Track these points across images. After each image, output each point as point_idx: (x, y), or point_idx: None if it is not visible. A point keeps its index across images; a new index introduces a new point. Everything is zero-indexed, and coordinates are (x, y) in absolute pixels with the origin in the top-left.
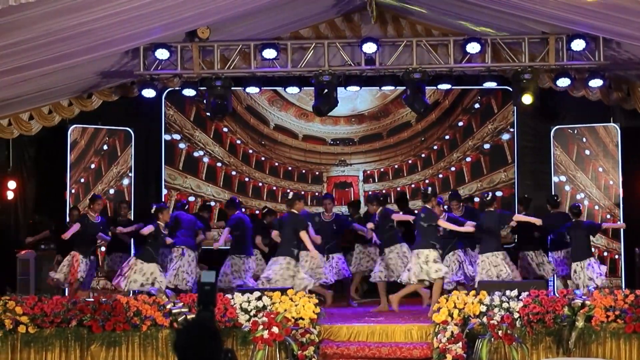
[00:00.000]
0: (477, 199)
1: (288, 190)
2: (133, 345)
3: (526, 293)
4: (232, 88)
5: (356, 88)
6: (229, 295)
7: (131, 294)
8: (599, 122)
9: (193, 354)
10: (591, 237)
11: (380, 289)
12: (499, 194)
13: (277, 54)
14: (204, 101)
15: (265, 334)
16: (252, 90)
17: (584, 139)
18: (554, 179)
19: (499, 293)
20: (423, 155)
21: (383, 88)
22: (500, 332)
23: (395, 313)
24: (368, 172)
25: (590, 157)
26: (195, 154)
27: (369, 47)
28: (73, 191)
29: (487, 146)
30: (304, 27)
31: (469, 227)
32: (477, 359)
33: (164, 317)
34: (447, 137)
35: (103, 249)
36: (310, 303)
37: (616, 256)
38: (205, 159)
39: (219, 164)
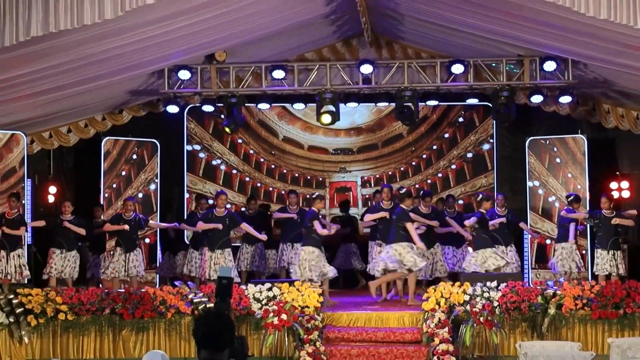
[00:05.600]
0: (461, 201)
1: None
2: (159, 331)
3: (504, 284)
4: (246, 104)
5: (354, 104)
6: (243, 287)
7: (158, 285)
8: (568, 134)
9: (210, 339)
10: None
11: None
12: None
13: (285, 74)
14: (221, 116)
15: (275, 320)
16: (263, 106)
17: (555, 149)
18: (529, 183)
19: (480, 284)
20: (414, 163)
21: (378, 104)
22: (481, 318)
23: (389, 302)
24: (365, 178)
25: (560, 164)
26: (214, 162)
27: (366, 68)
28: (106, 195)
29: (469, 155)
30: (309, 50)
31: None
32: (461, 342)
33: (186, 305)
34: (434, 147)
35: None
36: (315, 293)
37: (583, 251)
38: (222, 167)
39: (234, 171)
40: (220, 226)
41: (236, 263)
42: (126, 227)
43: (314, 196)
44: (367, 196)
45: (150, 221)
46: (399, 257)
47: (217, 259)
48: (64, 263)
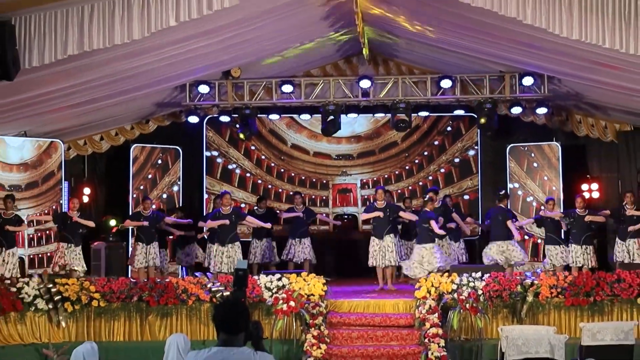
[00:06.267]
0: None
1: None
2: (181, 316)
3: (487, 274)
4: (258, 115)
5: (354, 115)
6: (256, 277)
7: (180, 276)
8: (544, 141)
9: (227, 324)
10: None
11: None
12: (466, 197)
13: (293, 88)
14: (237, 125)
15: (284, 307)
16: (274, 116)
17: (533, 154)
18: (510, 185)
19: (466, 274)
20: (407, 167)
21: (376, 115)
22: (467, 305)
23: (385, 290)
24: (364, 180)
25: (537, 168)
26: (230, 167)
27: (365, 83)
28: (134, 196)
29: (457, 160)
30: (314, 67)
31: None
32: (449, 326)
33: (205, 294)
34: (425, 153)
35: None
36: (319, 283)
37: None
38: (237, 171)
39: (248, 175)
40: (227, 222)
41: (247, 257)
42: (145, 223)
43: (425, 199)
44: (365, 196)
45: (167, 218)
46: (503, 254)
47: (227, 252)
48: (72, 256)
